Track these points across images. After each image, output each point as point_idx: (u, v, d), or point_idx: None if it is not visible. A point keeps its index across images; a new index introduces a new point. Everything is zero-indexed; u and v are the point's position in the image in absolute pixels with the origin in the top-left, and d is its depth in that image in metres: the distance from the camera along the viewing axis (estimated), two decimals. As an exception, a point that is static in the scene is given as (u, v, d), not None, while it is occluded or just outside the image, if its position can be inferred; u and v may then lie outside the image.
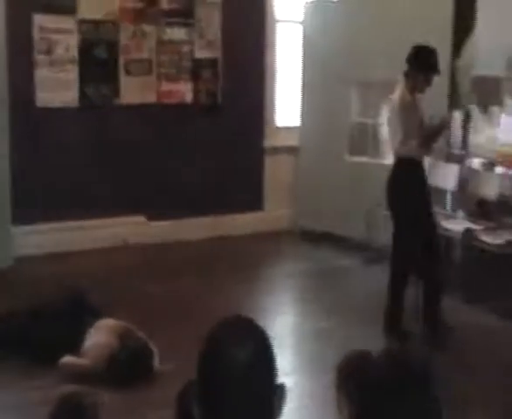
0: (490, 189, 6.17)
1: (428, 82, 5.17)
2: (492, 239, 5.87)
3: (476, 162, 6.18)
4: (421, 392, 1.69)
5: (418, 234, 5.18)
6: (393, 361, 1.77)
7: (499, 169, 6.24)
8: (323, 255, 7.09)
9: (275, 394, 1.62)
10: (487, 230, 5.98)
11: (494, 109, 6.19)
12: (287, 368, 4.82)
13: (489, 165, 6.25)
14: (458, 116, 6.38)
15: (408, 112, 5.14)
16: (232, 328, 1.65)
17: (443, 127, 5.45)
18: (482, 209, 5.90)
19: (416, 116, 5.19)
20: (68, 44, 6.65)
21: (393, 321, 5.29)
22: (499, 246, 5.80)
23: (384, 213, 6.66)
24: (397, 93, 5.20)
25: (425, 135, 5.22)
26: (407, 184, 5.19)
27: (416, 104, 5.23)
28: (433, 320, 5.27)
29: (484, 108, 5.89)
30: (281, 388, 1.63)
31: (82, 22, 6.68)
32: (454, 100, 6.43)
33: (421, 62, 5.16)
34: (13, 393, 4.18)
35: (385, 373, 1.72)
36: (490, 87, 6.02)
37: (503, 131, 6.18)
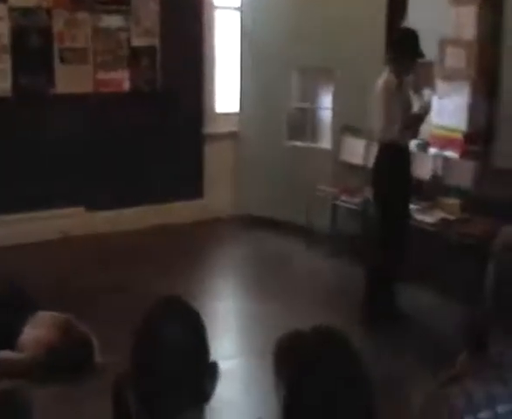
0: (424, 170, 6.28)
1: (413, 65, 5.18)
2: (426, 218, 6.00)
3: (411, 144, 6.28)
4: (348, 367, 1.72)
5: (395, 221, 5.20)
6: (321, 338, 1.79)
7: (432, 150, 6.37)
8: (265, 240, 7.13)
9: (208, 372, 1.62)
10: (422, 208, 6.10)
11: (426, 91, 6.29)
12: (231, 351, 4.88)
13: (423, 146, 6.36)
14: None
15: (392, 97, 5.10)
16: (164, 308, 1.65)
17: (424, 113, 5.43)
18: (417, 189, 6.00)
19: (400, 101, 5.15)
20: (0, 33, 6.49)
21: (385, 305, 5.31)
22: (433, 224, 5.92)
23: (322, 196, 6.80)
24: (383, 78, 5.16)
25: (407, 121, 5.19)
26: (389, 170, 5.17)
27: (402, 88, 5.20)
28: (391, 307, 5.34)
29: (416, 90, 5.97)
30: (213, 366, 1.64)
31: (13, 9, 6.53)
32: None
33: (407, 46, 5.14)
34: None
35: (313, 351, 1.74)
36: (423, 71, 6.10)
37: (436, 113, 6.29)
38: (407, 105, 5.30)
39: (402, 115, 5.17)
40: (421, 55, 5.16)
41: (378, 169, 5.30)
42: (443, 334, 4.89)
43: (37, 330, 4.54)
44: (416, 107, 5.50)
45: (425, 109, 5.48)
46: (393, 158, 5.19)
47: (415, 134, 5.57)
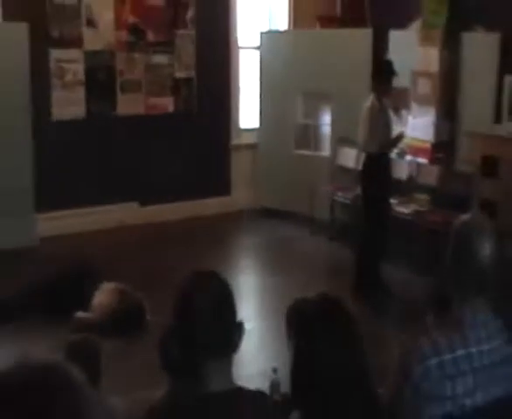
0: (402, 172, 6.26)
1: (389, 85, 5.13)
2: (403, 209, 5.97)
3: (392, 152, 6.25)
4: (344, 325, 1.72)
5: (379, 213, 5.18)
6: (323, 303, 1.79)
7: (408, 157, 6.34)
8: (277, 227, 7.09)
9: (236, 329, 1.62)
10: (400, 202, 6.08)
11: (404, 112, 6.26)
12: (251, 315, 4.84)
13: (401, 154, 6.33)
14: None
15: (375, 117, 5.07)
16: (199, 278, 1.66)
17: (398, 139, 5.44)
18: (396, 187, 5.99)
19: (382, 120, 5.12)
20: (76, 71, 6.55)
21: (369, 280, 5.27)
22: (408, 214, 5.90)
23: (323, 193, 6.79)
24: (368, 102, 5.14)
25: (386, 144, 5.19)
26: (373, 174, 5.15)
27: (384, 109, 5.17)
28: (376, 280, 5.31)
29: (396, 111, 5.94)
30: (240, 324, 1.64)
31: (87, 53, 6.59)
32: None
33: (379, 73, 5.15)
34: (40, 340, 4.12)
35: (316, 312, 1.74)
36: (400, 95, 6.08)
37: (410, 128, 6.26)
38: (388, 123, 5.27)
39: (383, 131, 5.15)
40: (394, 73, 5.11)
41: (365, 173, 5.28)
42: (415, 300, 4.86)
43: (102, 296, 4.58)
44: (395, 125, 5.49)
45: (401, 136, 5.44)
46: (376, 165, 5.17)
47: (389, 151, 5.56)
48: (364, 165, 5.27)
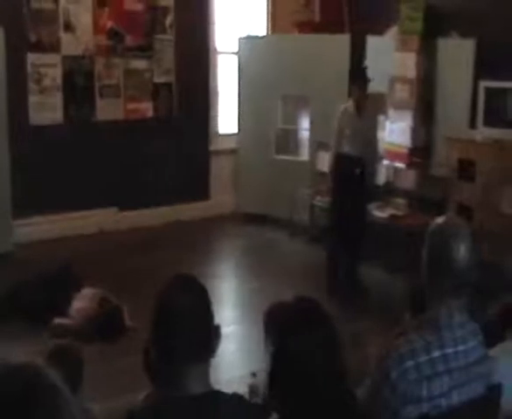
0: (380, 177, 6.29)
1: (363, 90, 5.14)
2: (380, 213, 6.01)
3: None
4: (321, 327, 1.72)
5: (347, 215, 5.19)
6: (300, 306, 1.79)
7: (385, 161, 6.39)
8: (257, 231, 7.10)
9: (213, 332, 1.62)
10: (377, 206, 6.11)
11: (381, 117, 6.31)
12: (229, 319, 4.83)
13: (378, 159, 6.36)
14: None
15: (347, 120, 5.11)
16: (176, 283, 1.65)
17: None
18: (375, 192, 6.02)
19: (360, 124, 5.13)
20: (54, 76, 6.49)
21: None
22: (385, 219, 5.94)
23: (302, 197, 6.81)
24: (345, 105, 5.20)
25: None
26: (338, 175, 5.21)
27: (359, 115, 5.18)
28: (353, 280, 5.34)
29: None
30: (217, 328, 1.64)
31: (65, 57, 6.53)
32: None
33: (353, 77, 5.24)
34: (18, 346, 4.06)
35: (294, 315, 1.74)
36: (378, 101, 6.12)
37: (388, 133, 6.31)
38: (366, 127, 5.30)
39: (354, 137, 5.16)
40: (364, 80, 5.16)
41: (332, 174, 5.32)
42: (392, 301, 4.91)
43: (82, 302, 4.56)
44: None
45: None
46: (343, 165, 5.19)
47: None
48: (332, 165, 5.31)
